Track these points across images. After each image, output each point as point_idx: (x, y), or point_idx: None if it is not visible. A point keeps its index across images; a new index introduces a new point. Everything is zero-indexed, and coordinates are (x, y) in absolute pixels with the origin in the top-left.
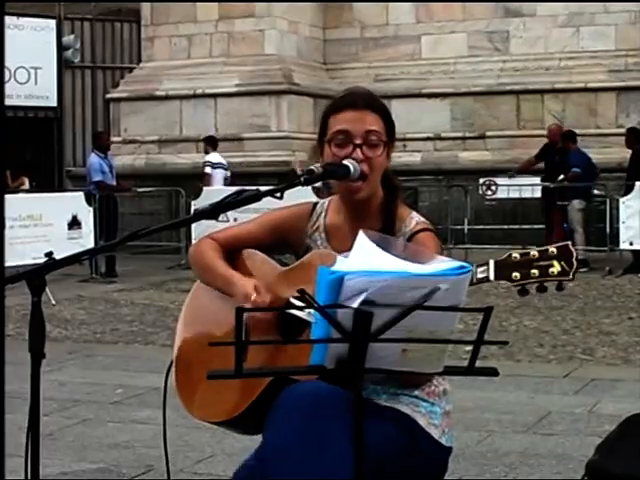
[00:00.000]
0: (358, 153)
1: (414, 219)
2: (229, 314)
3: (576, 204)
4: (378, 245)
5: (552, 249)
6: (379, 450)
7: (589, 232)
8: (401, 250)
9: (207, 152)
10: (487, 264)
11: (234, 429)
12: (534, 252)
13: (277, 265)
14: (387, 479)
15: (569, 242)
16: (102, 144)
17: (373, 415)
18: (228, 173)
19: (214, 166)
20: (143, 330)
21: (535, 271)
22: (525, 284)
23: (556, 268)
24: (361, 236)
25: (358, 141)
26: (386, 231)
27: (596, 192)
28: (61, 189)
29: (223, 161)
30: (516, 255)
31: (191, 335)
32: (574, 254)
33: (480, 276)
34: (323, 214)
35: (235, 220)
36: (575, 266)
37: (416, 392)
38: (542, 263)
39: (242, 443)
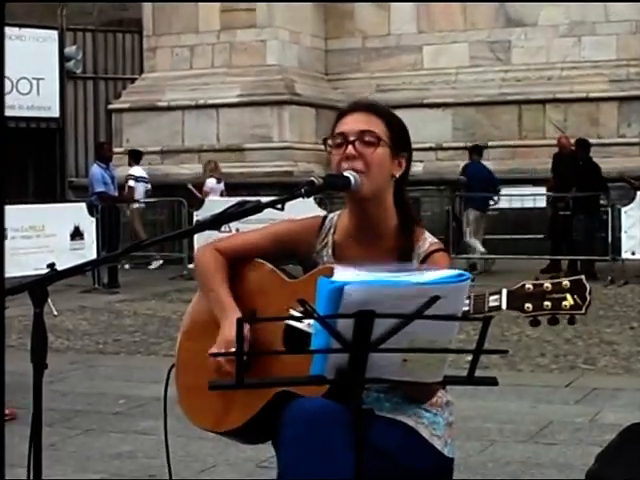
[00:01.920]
0: (350, 149)
1: (427, 240)
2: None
3: (470, 213)
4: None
5: (565, 282)
6: (382, 463)
7: (591, 241)
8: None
9: (130, 165)
10: (500, 292)
11: (237, 439)
12: (547, 284)
13: (284, 277)
14: None
15: (582, 276)
16: (104, 155)
17: (375, 428)
18: (149, 186)
19: (137, 179)
20: (145, 340)
21: (548, 303)
22: (537, 316)
23: (569, 302)
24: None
25: (351, 138)
26: (403, 252)
27: (601, 202)
28: (63, 200)
29: (145, 175)
30: (529, 286)
31: (193, 344)
32: (587, 288)
33: (492, 304)
34: (332, 230)
35: (237, 230)
36: (588, 300)
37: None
38: (555, 296)
39: (245, 453)
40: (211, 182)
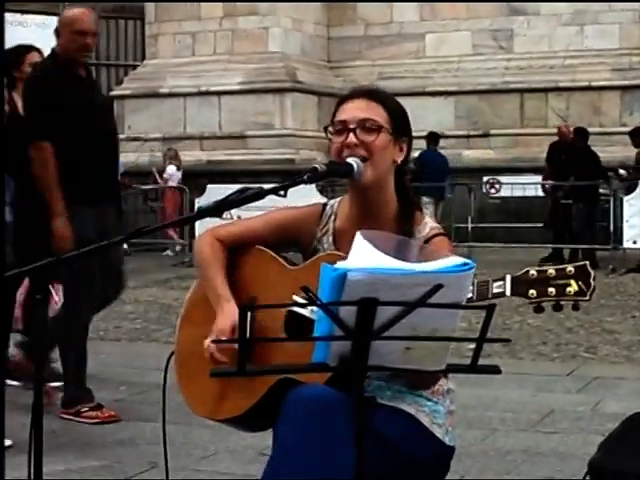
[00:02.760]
0: (351, 137)
1: (428, 224)
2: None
3: (424, 200)
4: (382, 243)
5: (570, 268)
6: (383, 450)
7: (591, 230)
8: (417, 252)
9: None
10: (504, 279)
11: (238, 427)
12: (551, 270)
13: (285, 264)
14: (391, 477)
15: (587, 262)
16: None
17: (376, 416)
18: None
19: None
20: (146, 327)
21: (552, 289)
22: (541, 302)
23: (573, 288)
24: (358, 237)
25: (352, 126)
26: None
27: (601, 191)
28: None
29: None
30: (533, 272)
31: (192, 331)
32: (592, 274)
33: (496, 291)
34: (333, 217)
35: (239, 218)
36: (592, 286)
37: (420, 390)
38: (559, 282)
39: (245, 441)
40: (171, 169)
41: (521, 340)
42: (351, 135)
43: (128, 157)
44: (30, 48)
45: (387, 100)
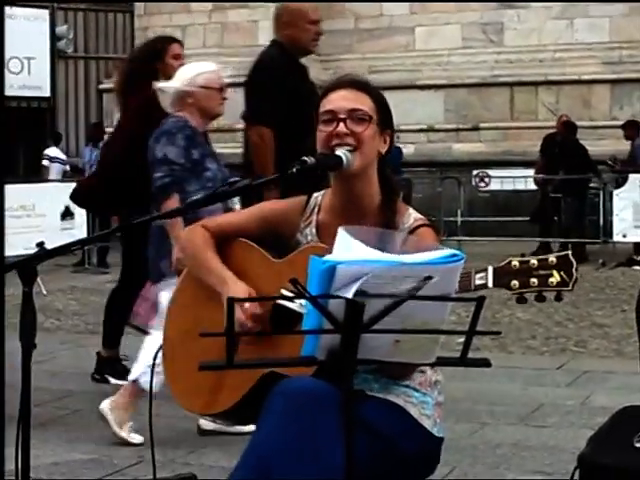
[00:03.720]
0: (341, 127)
1: (412, 215)
2: (220, 301)
3: None
4: (379, 240)
5: (552, 258)
6: (372, 441)
7: (580, 224)
8: (400, 243)
9: (49, 146)
10: (486, 270)
11: (225, 420)
12: (533, 261)
13: (270, 257)
14: (380, 469)
15: (569, 252)
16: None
17: (365, 407)
18: (67, 167)
19: (51, 160)
20: None
21: (534, 280)
22: (524, 293)
23: (555, 278)
24: (341, 232)
25: (342, 116)
26: (386, 228)
27: (591, 185)
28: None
29: (61, 156)
30: (515, 263)
31: (180, 325)
32: (574, 264)
33: (478, 282)
34: (316, 209)
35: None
36: (575, 277)
37: (408, 382)
38: (541, 272)
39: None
40: None
41: (511, 334)
42: (341, 125)
43: None
44: (171, 39)
45: (373, 91)
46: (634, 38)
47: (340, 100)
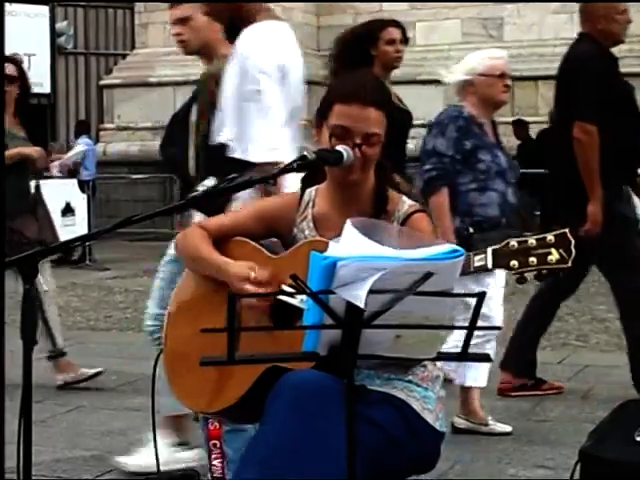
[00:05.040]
0: (357, 152)
1: (406, 202)
2: (221, 302)
3: None
4: (370, 231)
5: (550, 237)
6: (375, 435)
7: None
8: (395, 234)
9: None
10: (485, 252)
11: (226, 419)
12: (532, 240)
13: (268, 254)
14: (383, 463)
15: (567, 230)
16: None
17: (368, 401)
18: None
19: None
20: (137, 317)
21: (533, 259)
22: (523, 272)
23: (554, 256)
24: (348, 226)
25: (358, 140)
26: (378, 216)
27: None
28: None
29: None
30: (514, 243)
31: (182, 323)
32: (572, 241)
33: (478, 264)
34: (311, 203)
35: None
36: (573, 253)
37: (410, 377)
38: (540, 251)
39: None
40: None
41: (511, 328)
42: (357, 150)
43: (118, 146)
44: (386, 22)
45: (386, 102)
46: (634, 32)
47: (359, 120)
